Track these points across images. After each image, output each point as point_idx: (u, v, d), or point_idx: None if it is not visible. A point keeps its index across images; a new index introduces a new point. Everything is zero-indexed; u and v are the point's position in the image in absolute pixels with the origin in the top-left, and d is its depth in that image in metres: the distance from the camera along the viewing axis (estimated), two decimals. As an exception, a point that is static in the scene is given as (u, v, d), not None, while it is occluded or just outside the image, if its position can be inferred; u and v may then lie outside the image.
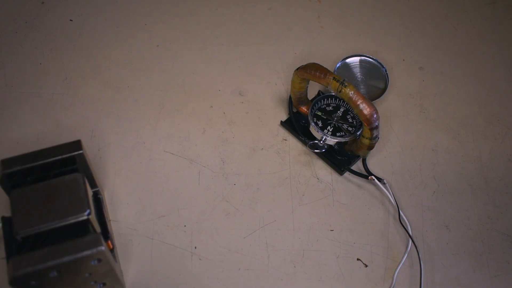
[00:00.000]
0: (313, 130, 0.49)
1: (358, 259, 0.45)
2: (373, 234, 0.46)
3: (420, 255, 0.44)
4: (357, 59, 0.55)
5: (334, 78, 0.44)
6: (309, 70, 0.45)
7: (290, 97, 0.52)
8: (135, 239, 0.45)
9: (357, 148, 0.48)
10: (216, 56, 0.58)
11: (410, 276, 0.44)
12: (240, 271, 0.44)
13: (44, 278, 0.35)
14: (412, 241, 0.45)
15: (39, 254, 0.34)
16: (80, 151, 0.40)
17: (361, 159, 0.50)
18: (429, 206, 0.48)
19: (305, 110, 0.51)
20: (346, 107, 0.51)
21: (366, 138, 0.45)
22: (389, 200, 0.47)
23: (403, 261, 0.44)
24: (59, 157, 0.39)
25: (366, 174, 0.48)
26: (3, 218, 0.38)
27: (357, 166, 0.50)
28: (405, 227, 0.46)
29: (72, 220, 0.36)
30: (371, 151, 0.48)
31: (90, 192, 0.39)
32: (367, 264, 0.44)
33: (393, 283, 0.43)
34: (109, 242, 0.40)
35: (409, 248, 0.45)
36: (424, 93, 0.56)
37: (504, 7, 0.64)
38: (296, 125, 0.51)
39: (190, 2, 0.63)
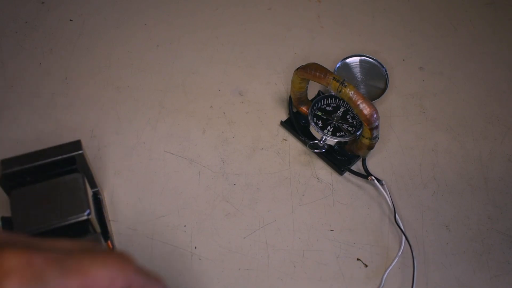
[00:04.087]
0: (313, 130, 0.49)
1: (358, 259, 0.45)
2: (373, 234, 0.46)
3: (413, 254, 0.44)
4: (357, 59, 0.55)
5: (334, 78, 0.44)
6: (309, 70, 0.45)
7: (290, 97, 0.52)
8: (135, 239, 0.45)
9: (357, 148, 0.48)
10: (216, 56, 0.58)
11: (409, 276, 0.44)
12: (240, 271, 0.44)
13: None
14: (407, 240, 0.45)
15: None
16: (80, 151, 0.40)
17: (361, 159, 0.50)
18: (429, 206, 0.48)
19: (305, 110, 0.51)
20: (346, 107, 0.51)
21: (366, 138, 0.45)
22: (388, 201, 0.47)
23: (396, 260, 0.44)
24: (59, 157, 0.39)
25: (366, 174, 0.48)
26: (3, 218, 0.38)
27: (357, 166, 0.50)
28: (401, 228, 0.46)
29: (72, 220, 0.36)
30: (371, 151, 0.48)
31: (90, 192, 0.39)
32: (367, 264, 0.44)
33: (384, 283, 0.43)
34: (109, 242, 0.40)
35: (401, 249, 0.45)
36: (424, 93, 0.56)
37: (504, 7, 0.64)
38: (296, 125, 0.51)
39: (190, 2, 0.63)
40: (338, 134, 0.49)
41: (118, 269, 0.23)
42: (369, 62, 0.55)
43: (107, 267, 0.23)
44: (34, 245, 0.21)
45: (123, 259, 0.24)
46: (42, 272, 0.20)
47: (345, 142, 0.49)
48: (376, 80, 0.54)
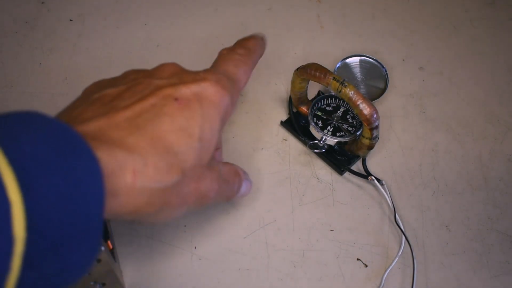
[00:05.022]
0: (313, 130, 0.49)
1: (358, 259, 0.45)
2: (373, 234, 0.46)
3: (413, 254, 0.45)
4: (357, 59, 0.55)
5: (334, 78, 0.44)
6: (309, 70, 0.45)
7: (290, 97, 0.52)
8: (135, 239, 0.45)
9: (357, 148, 0.48)
10: (216, 56, 0.58)
11: (409, 276, 0.44)
12: (240, 271, 0.44)
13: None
14: (407, 241, 0.45)
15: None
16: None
17: (361, 159, 0.50)
18: (429, 206, 0.48)
19: (305, 110, 0.51)
20: (346, 107, 0.51)
21: (366, 138, 0.45)
22: (388, 201, 0.47)
23: (395, 261, 0.44)
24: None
25: (366, 174, 0.49)
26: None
27: (357, 166, 0.50)
28: (401, 228, 0.46)
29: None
30: (371, 151, 0.48)
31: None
32: (367, 264, 0.44)
33: (384, 284, 0.44)
34: (109, 242, 0.40)
35: (401, 249, 0.45)
36: (424, 93, 0.56)
37: (504, 7, 0.64)
38: (296, 125, 0.51)
39: (190, 2, 0.63)
40: (338, 134, 0.49)
41: (244, 68, 0.39)
42: (369, 62, 0.55)
43: (241, 71, 0.38)
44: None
45: (240, 61, 0.39)
46: (224, 81, 0.35)
47: (345, 142, 0.49)
48: (376, 80, 0.54)
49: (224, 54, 0.40)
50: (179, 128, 0.30)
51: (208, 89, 0.33)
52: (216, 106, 0.33)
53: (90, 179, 0.25)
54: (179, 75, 0.34)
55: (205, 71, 0.35)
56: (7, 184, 0.21)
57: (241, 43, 0.41)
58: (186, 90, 0.32)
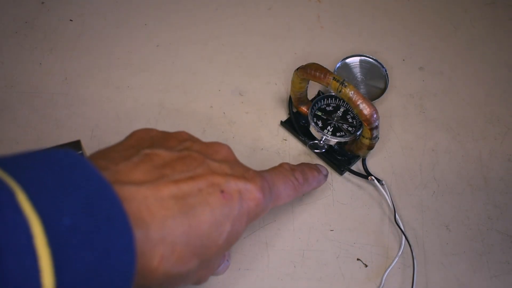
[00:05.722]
0: (313, 130, 0.49)
1: (358, 259, 0.45)
2: (373, 234, 0.46)
3: (413, 254, 0.45)
4: (357, 59, 0.55)
5: (334, 78, 0.44)
6: (309, 70, 0.45)
7: (290, 97, 0.52)
8: (135, 239, 0.45)
9: (357, 148, 0.48)
10: (216, 56, 0.58)
11: (409, 276, 0.44)
12: (240, 271, 0.44)
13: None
14: (407, 241, 0.45)
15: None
16: (80, 152, 0.40)
17: (361, 159, 0.50)
18: (429, 206, 0.48)
19: (305, 110, 0.51)
20: (346, 107, 0.51)
21: (366, 138, 0.45)
22: (387, 201, 0.47)
23: (395, 261, 0.44)
24: (59, 157, 0.39)
25: (366, 174, 0.49)
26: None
27: (357, 166, 0.50)
28: (401, 228, 0.46)
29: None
30: (371, 151, 0.48)
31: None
32: (367, 264, 0.45)
33: (384, 284, 0.43)
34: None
35: (401, 249, 0.45)
36: (424, 93, 0.56)
37: (504, 7, 0.64)
38: (296, 125, 0.51)
39: (190, 2, 0.63)
40: (338, 134, 0.49)
41: (290, 192, 0.39)
42: (369, 62, 0.55)
43: (285, 192, 0.39)
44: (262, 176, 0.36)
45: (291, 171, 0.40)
46: (267, 191, 0.35)
47: (345, 142, 0.49)
48: (376, 80, 0.54)
49: (283, 168, 0.40)
50: (214, 221, 0.30)
51: (252, 193, 0.33)
52: (250, 212, 0.33)
53: (124, 260, 0.25)
54: (232, 164, 0.34)
55: (255, 172, 0.35)
56: (43, 267, 0.21)
57: (303, 170, 0.41)
58: (233, 185, 0.32)
